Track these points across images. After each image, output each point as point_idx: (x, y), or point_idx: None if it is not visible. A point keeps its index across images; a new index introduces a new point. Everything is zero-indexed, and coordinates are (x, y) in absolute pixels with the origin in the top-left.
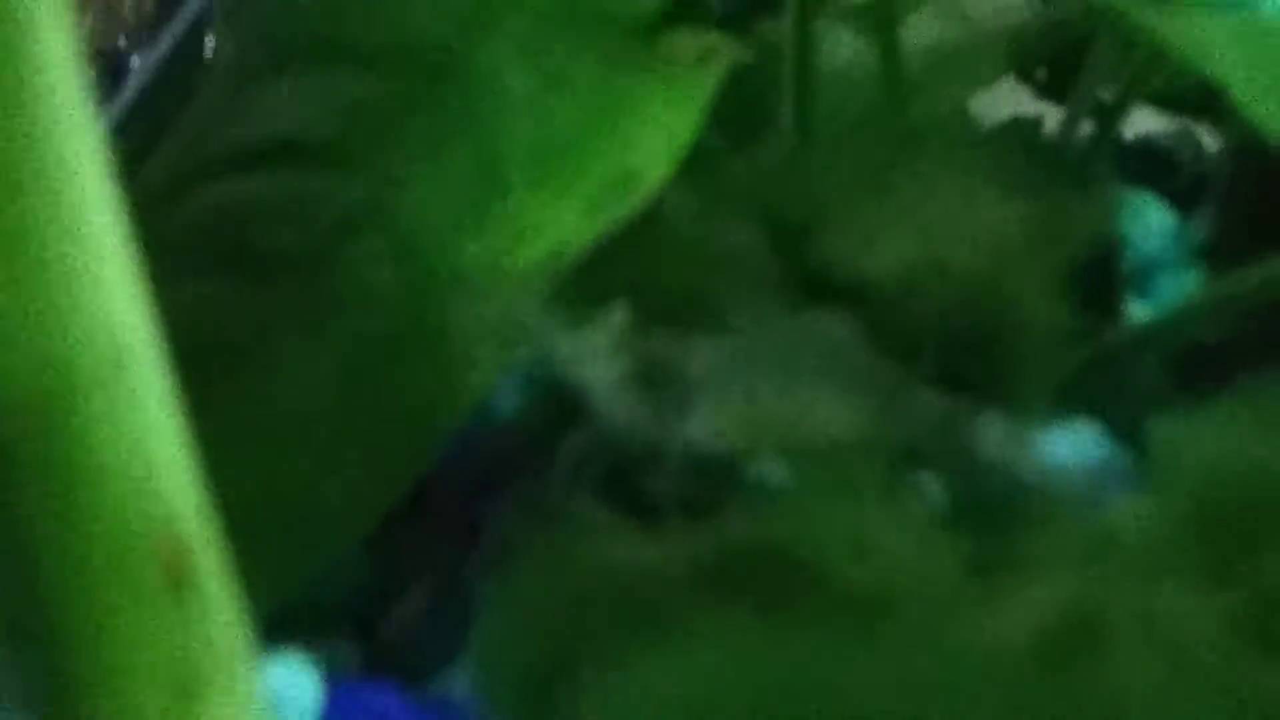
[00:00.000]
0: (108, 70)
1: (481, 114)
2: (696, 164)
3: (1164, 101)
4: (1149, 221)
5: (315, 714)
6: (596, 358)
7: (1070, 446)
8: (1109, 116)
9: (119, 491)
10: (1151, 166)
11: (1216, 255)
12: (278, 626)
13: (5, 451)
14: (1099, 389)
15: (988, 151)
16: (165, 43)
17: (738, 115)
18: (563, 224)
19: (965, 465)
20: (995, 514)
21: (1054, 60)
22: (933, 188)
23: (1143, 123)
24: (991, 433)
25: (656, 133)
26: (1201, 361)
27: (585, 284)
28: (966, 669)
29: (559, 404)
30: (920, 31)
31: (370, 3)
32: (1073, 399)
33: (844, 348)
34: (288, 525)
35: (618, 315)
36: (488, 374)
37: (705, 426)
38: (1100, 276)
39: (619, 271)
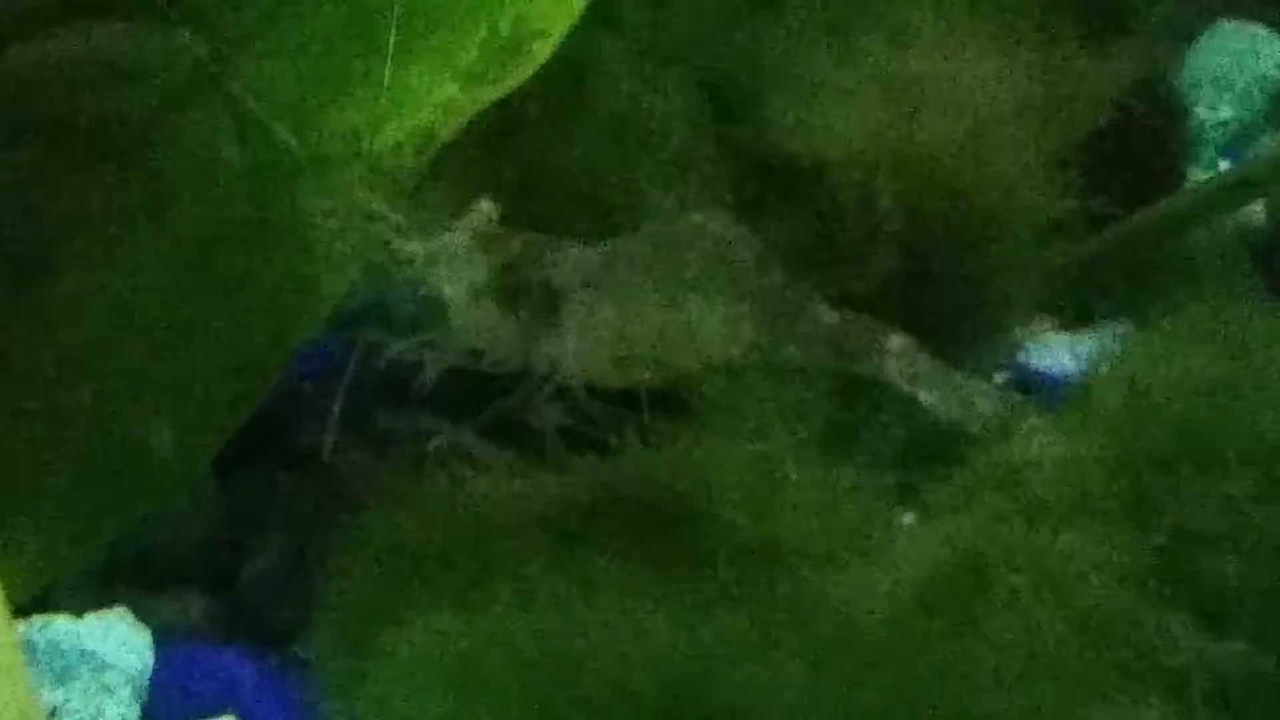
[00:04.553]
0: None
1: None
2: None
3: None
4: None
5: (145, 679)
6: (455, 263)
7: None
8: None
9: None
10: None
11: None
12: (125, 575)
13: None
14: (1090, 291)
15: None
16: None
17: None
18: (440, 96)
19: (867, 392)
20: (897, 445)
21: None
22: (909, 42)
23: None
24: (899, 359)
25: None
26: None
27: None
28: (847, 628)
29: (420, 317)
30: None
31: None
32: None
33: (735, 252)
34: (119, 459)
35: (483, 211)
36: (346, 275)
37: (574, 347)
38: (1153, 144)
39: (518, 152)
